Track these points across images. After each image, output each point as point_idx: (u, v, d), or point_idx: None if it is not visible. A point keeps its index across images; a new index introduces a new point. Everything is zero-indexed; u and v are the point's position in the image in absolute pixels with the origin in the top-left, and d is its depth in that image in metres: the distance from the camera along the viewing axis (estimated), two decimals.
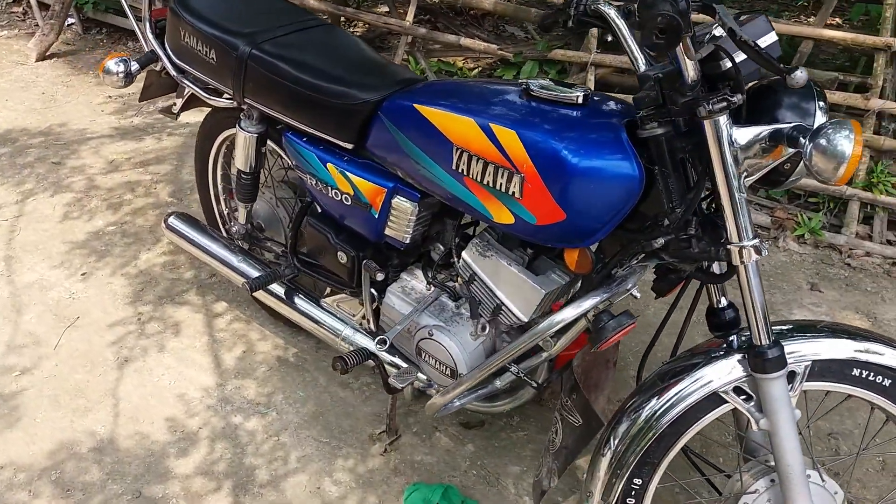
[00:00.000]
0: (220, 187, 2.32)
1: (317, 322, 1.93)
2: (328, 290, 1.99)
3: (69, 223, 2.81)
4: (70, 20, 4.52)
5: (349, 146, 1.65)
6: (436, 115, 1.42)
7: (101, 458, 1.88)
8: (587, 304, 1.33)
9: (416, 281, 1.69)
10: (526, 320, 1.48)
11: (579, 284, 1.50)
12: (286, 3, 2.00)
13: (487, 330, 1.57)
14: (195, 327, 2.34)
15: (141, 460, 1.89)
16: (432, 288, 1.65)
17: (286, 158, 1.98)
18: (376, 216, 1.62)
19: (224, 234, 2.29)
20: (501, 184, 1.32)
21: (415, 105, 1.46)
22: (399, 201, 1.58)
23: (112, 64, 1.93)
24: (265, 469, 1.88)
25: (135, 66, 1.97)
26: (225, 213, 2.37)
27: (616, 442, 1.39)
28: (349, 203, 1.65)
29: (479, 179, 1.36)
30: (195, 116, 3.76)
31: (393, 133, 1.51)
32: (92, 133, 3.49)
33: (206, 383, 2.13)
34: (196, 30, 1.82)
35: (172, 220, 2.20)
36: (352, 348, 1.87)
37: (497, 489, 1.85)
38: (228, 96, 1.88)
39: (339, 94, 1.61)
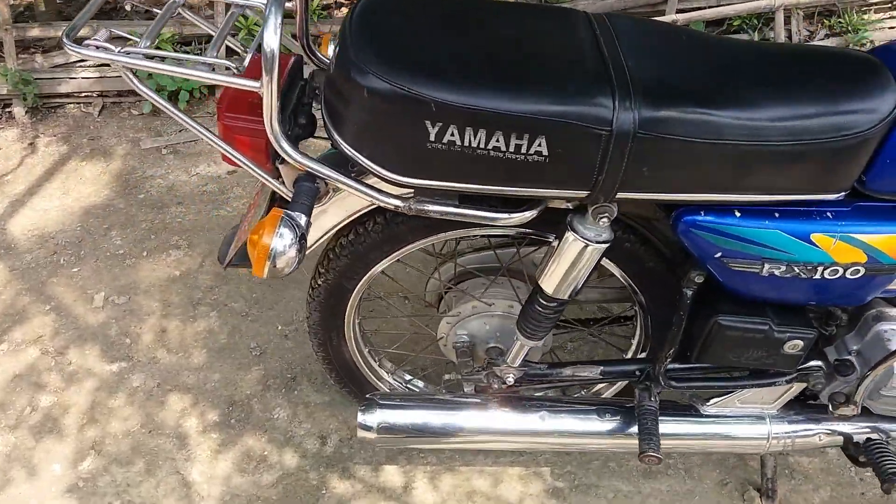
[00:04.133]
0: (361, 343, 1.48)
1: (730, 438, 1.40)
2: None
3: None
4: None
5: (838, 196, 1.10)
6: None
7: None
8: None
9: None
10: None
11: None
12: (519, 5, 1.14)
13: None
14: None
15: None
16: None
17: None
18: None
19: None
20: None
21: None
22: None
23: (278, 240, 0.97)
24: None
25: (302, 218, 1.02)
26: (389, 378, 1.57)
27: None
28: (859, 275, 1.13)
29: None
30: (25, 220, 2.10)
31: None
32: None
33: None
34: (488, 113, 0.94)
35: (377, 418, 1.33)
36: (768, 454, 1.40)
37: None
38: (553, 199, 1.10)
39: (826, 128, 1.02)
